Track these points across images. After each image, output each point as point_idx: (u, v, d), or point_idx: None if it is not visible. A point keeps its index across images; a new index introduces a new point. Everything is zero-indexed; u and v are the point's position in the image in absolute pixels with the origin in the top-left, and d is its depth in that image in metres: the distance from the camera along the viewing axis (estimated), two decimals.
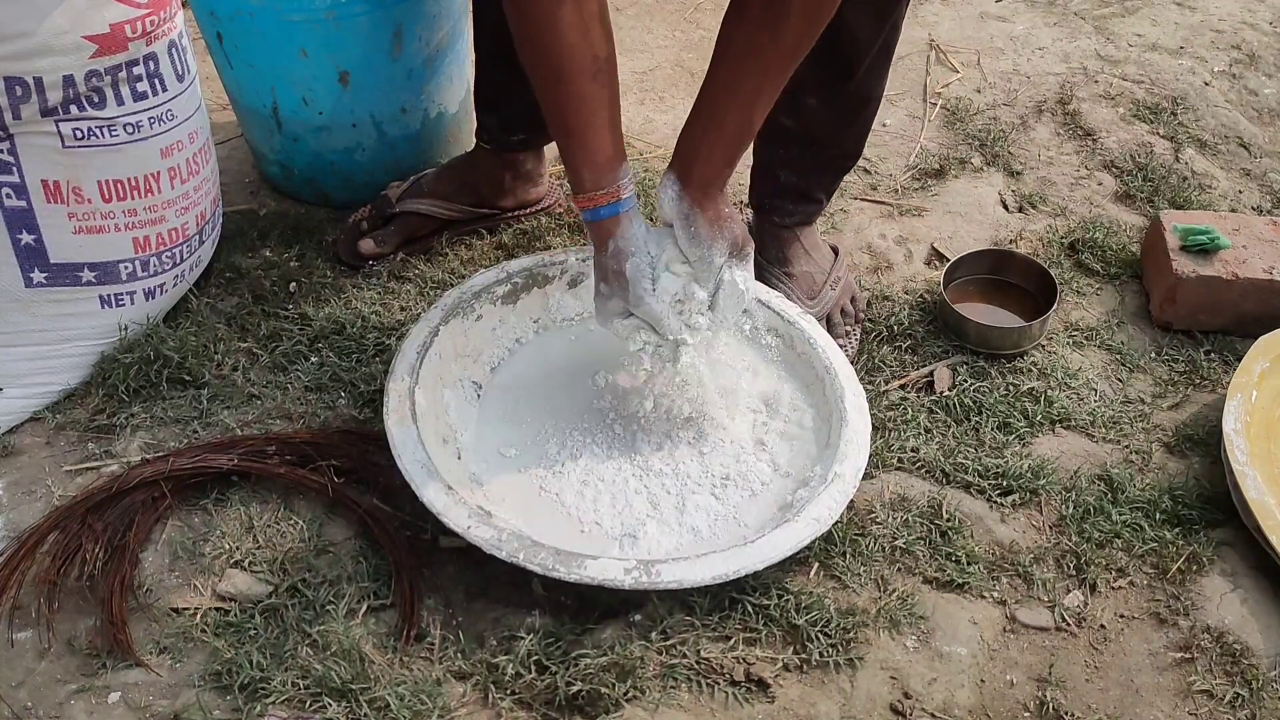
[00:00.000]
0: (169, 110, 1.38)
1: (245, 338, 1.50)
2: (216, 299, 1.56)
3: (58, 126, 1.29)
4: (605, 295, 1.29)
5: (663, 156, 1.86)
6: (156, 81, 1.35)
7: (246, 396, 1.43)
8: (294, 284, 1.60)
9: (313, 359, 1.48)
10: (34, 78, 1.25)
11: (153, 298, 1.46)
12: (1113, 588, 1.26)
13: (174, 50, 1.38)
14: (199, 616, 1.19)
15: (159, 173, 1.39)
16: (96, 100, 1.30)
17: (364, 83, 1.60)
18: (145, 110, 1.35)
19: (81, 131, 1.31)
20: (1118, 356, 1.57)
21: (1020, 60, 2.10)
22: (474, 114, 1.69)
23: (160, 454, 1.35)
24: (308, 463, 1.35)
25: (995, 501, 1.35)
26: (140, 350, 1.44)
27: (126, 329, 1.44)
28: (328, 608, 1.20)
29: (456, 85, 1.72)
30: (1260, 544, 1.26)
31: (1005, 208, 1.79)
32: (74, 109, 1.29)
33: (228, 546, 1.26)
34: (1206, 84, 2.04)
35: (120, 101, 1.32)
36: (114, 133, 1.33)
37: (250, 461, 1.33)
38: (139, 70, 1.33)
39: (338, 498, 1.32)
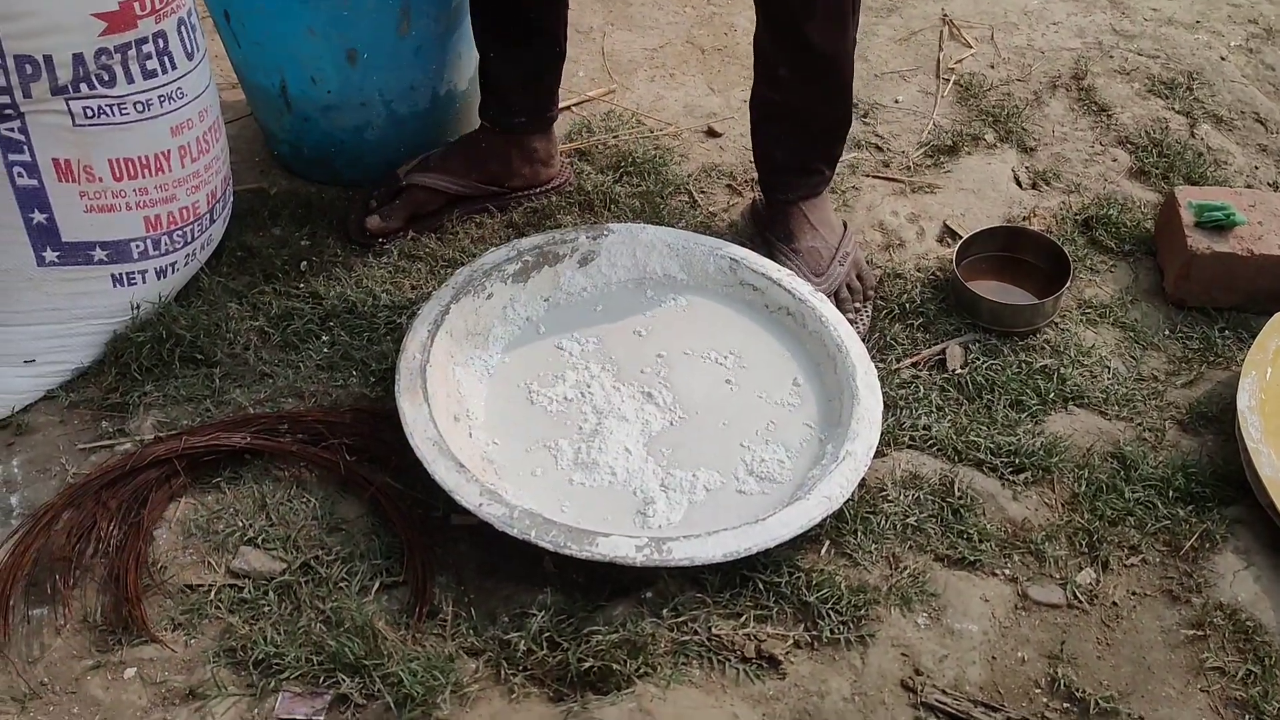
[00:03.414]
0: (179, 88, 1.38)
1: (257, 316, 1.50)
2: (228, 278, 1.56)
3: (68, 105, 1.29)
4: None
5: (673, 134, 1.85)
6: (166, 59, 1.35)
7: (258, 375, 1.44)
8: (305, 263, 1.60)
9: (324, 338, 1.48)
10: (44, 56, 1.25)
11: (164, 276, 1.47)
12: (1125, 565, 1.26)
13: (183, 28, 1.37)
14: (213, 593, 1.20)
15: (169, 151, 1.39)
16: (107, 78, 1.30)
17: (372, 61, 1.59)
18: (155, 88, 1.35)
19: (92, 110, 1.31)
20: (1131, 334, 1.56)
21: (1035, 35, 2.08)
22: None
23: (173, 432, 1.35)
24: (319, 441, 1.35)
25: (1007, 479, 1.35)
26: (153, 329, 1.44)
27: (139, 308, 1.45)
28: (340, 585, 1.21)
29: (466, 62, 1.71)
30: (1274, 521, 1.25)
31: (1019, 184, 1.78)
32: (84, 87, 1.29)
33: (241, 524, 1.27)
34: (1223, 59, 2.02)
35: (130, 80, 1.32)
36: (124, 111, 1.33)
37: (262, 440, 1.34)
38: (149, 48, 1.32)
39: (350, 475, 1.32)
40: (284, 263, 1.59)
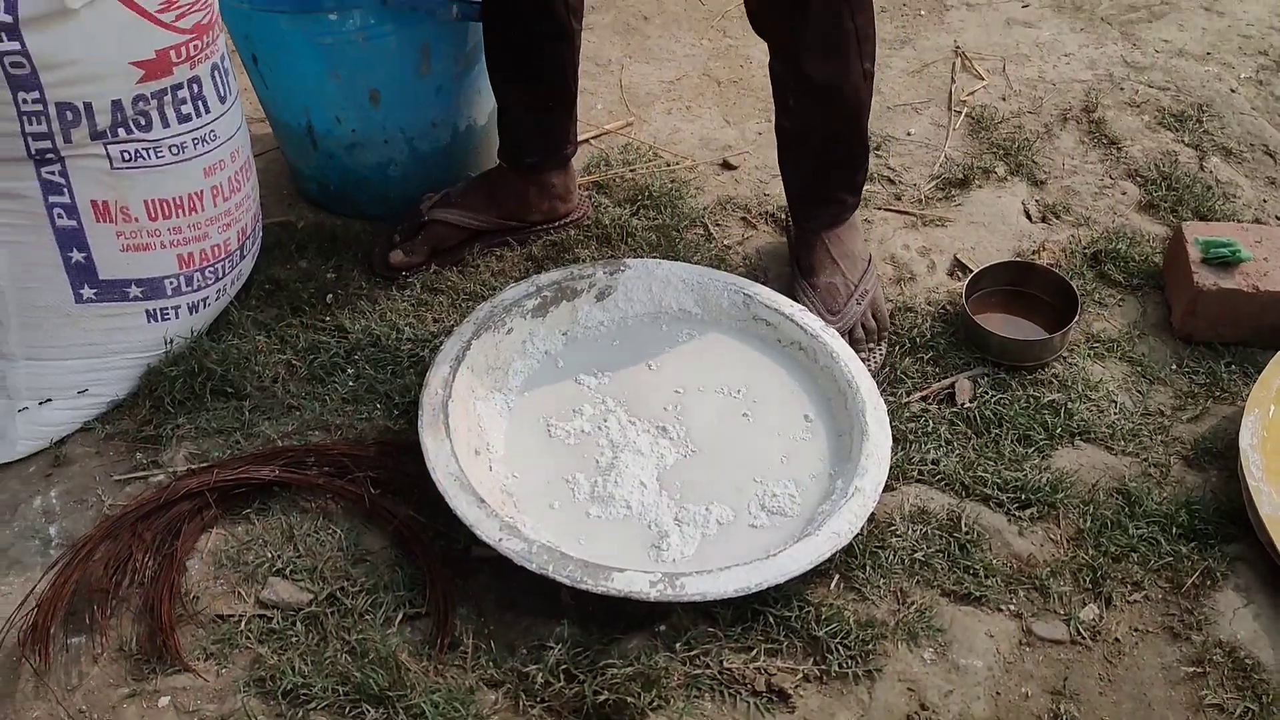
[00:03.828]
0: (212, 131, 1.43)
1: (284, 349, 1.55)
2: (257, 310, 1.61)
3: (106, 149, 1.34)
4: None
5: (689, 167, 1.89)
6: (200, 104, 1.40)
7: (286, 408, 1.48)
8: (331, 295, 1.64)
9: (349, 370, 1.53)
10: (84, 103, 1.30)
11: (196, 311, 1.52)
12: (1128, 601, 1.29)
13: (216, 73, 1.42)
14: (243, 623, 1.25)
15: (202, 191, 1.44)
16: (143, 123, 1.35)
17: (394, 100, 1.64)
18: (189, 131, 1.40)
19: (129, 153, 1.36)
20: (1138, 368, 1.58)
21: (1046, 67, 2.11)
22: None
23: (205, 464, 1.40)
24: (345, 474, 1.40)
25: (1014, 515, 1.38)
26: (185, 363, 1.49)
27: (171, 342, 1.50)
28: (365, 616, 1.26)
29: (485, 98, 1.76)
30: (1274, 560, 1.28)
31: (1029, 218, 1.81)
32: (122, 132, 1.34)
33: (269, 555, 1.32)
34: (1233, 90, 2.04)
35: (166, 124, 1.37)
36: (160, 154, 1.38)
37: (290, 472, 1.38)
38: (183, 93, 1.38)
39: (374, 508, 1.37)
40: (310, 296, 1.64)
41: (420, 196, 1.73)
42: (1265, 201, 1.84)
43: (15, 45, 1.23)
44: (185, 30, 1.34)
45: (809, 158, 1.58)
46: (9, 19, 1.22)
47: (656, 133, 1.97)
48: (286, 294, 1.64)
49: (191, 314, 1.51)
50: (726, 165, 1.91)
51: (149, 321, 1.47)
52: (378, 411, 1.49)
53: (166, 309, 1.48)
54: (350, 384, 1.51)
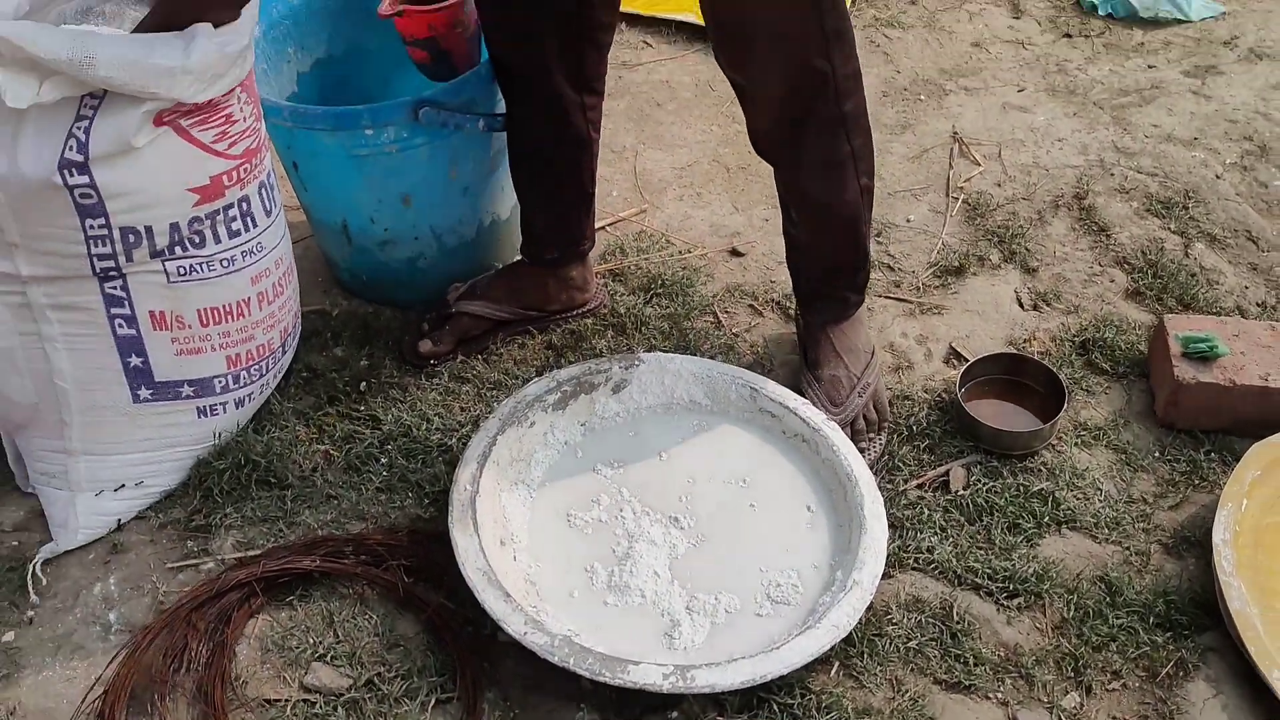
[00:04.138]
0: (259, 243, 1.55)
1: (323, 439, 1.67)
2: (295, 399, 1.73)
3: (164, 265, 1.46)
4: None
5: (700, 255, 2.00)
6: (248, 220, 1.52)
7: (325, 497, 1.60)
8: (364, 383, 1.76)
9: (383, 460, 1.64)
10: (144, 226, 1.42)
11: (242, 406, 1.63)
12: (1107, 689, 1.39)
13: (263, 189, 1.54)
14: (288, 709, 1.36)
15: (249, 298, 1.56)
16: (197, 241, 1.47)
17: (424, 202, 1.76)
18: (238, 245, 1.52)
19: (184, 268, 1.48)
20: (1123, 456, 1.68)
21: (1040, 152, 2.22)
22: None
23: (252, 553, 1.52)
24: (380, 562, 1.51)
25: (1002, 604, 1.48)
26: (232, 455, 1.60)
27: (219, 436, 1.61)
28: (401, 701, 1.36)
29: (507, 194, 1.87)
30: (1242, 652, 1.37)
31: (1021, 305, 1.91)
32: (178, 250, 1.46)
33: (311, 641, 1.43)
34: (1218, 177, 2.14)
35: (218, 240, 1.49)
36: (212, 267, 1.50)
37: (330, 562, 1.50)
38: (234, 211, 1.50)
39: (407, 595, 1.48)
40: (345, 384, 1.75)
41: (447, 286, 1.85)
42: (1247, 288, 1.94)
43: (85, 179, 1.35)
44: (236, 156, 1.46)
45: (813, 262, 1.69)
46: (80, 157, 1.34)
47: (669, 219, 2.09)
48: (323, 382, 1.76)
49: (238, 409, 1.63)
50: (735, 252, 2.02)
51: (199, 417, 1.59)
52: (409, 500, 1.60)
53: (215, 405, 1.59)
54: (384, 474, 1.63)
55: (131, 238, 1.42)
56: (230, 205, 1.49)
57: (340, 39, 1.90)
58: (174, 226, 1.44)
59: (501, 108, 1.72)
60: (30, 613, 1.47)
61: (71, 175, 1.34)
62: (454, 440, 1.66)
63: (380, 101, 1.93)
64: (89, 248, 1.40)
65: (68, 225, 1.38)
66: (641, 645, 1.41)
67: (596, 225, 1.93)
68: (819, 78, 1.47)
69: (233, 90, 1.43)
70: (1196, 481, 1.64)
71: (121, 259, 1.43)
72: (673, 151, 2.24)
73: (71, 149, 1.34)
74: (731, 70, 1.52)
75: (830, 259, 1.68)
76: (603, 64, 1.68)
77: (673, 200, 2.13)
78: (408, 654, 1.42)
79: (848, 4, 2.55)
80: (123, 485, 1.56)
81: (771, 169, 1.65)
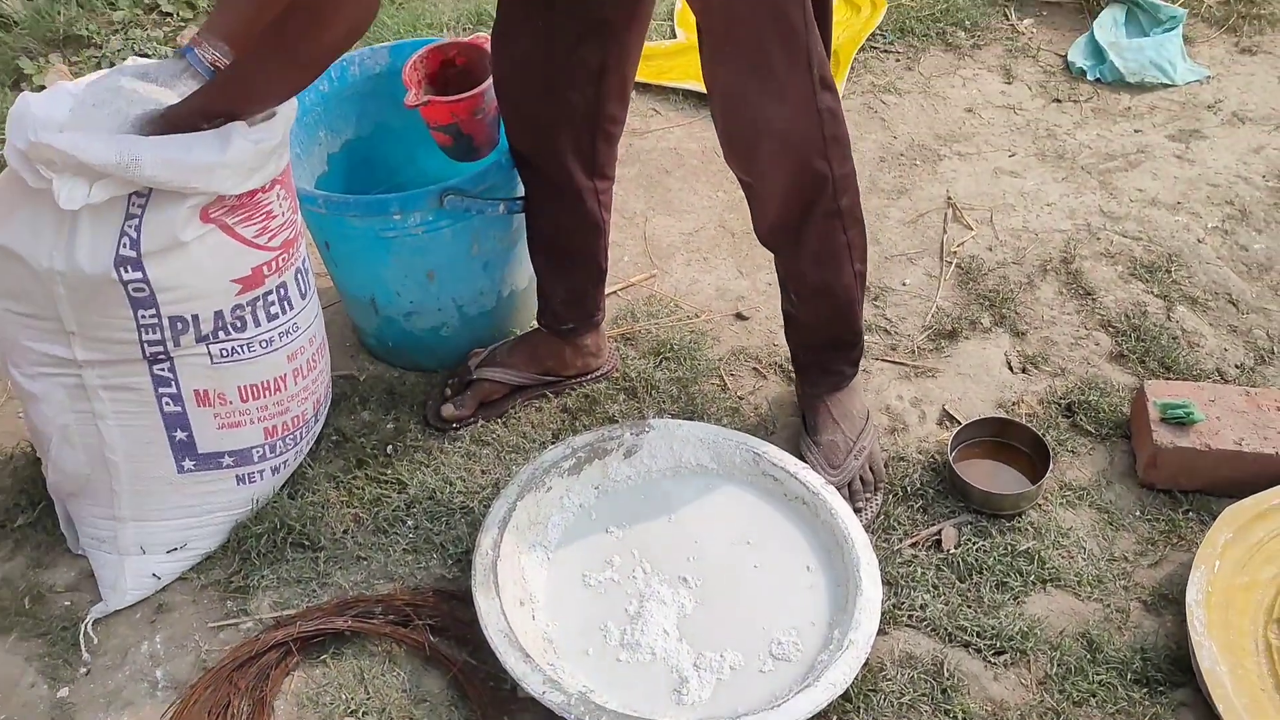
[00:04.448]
0: (294, 324, 1.66)
1: (352, 502, 1.78)
2: (326, 462, 1.84)
3: (208, 349, 1.58)
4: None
5: (708, 319, 2.11)
6: (285, 303, 1.64)
7: (355, 558, 1.71)
8: (391, 447, 1.87)
9: (409, 523, 1.75)
10: (191, 315, 1.54)
11: (277, 473, 1.75)
12: None
13: (299, 275, 1.66)
14: None
15: (286, 374, 1.68)
16: (239, 325, 1.59)
17: (447, 277, 1.88)
18: (276, 327, 1.63)
19: (226, 350, 1.59)
20: (1106, 515, 1.78)
21: (1029, 217, 2.32)
22: None
23: (288, 613, 1.63)
24: (408, 621, 1.62)
25: (990, 661, 1.58)
26: (268, 519, 1.72)
27: (257, 501, 1.73)
28: None
29: (524, 267, 1.99)
30: (1212, 709, 1.47)
31: (1010, 369, 2.01)
32: (221, 334, 1.58)
33: (344, 698, 1.53)
34: (1200, 241, 2.25)
35: (257, 324, 1.61)
36: (252, 349, 1.61)
37: (361, 622, 1.60)
38: (272, 297, 1.61)
39: (433, 654, 1.58)
40: (373, 448, 1.86)
41: (468, 352, 1.96)
42: (1226, 350, 2.04)
43: (139, 274, 1.47)
44: (275, 248, 1.58)
45: (810, 338, 1.81)
46: (133, 253, 1.46)
47: (677, 284, 2.20)
48: (352, 446, 1.87)
49: (274, 475, 1.74)
50: (740, 316, 2.13)
51: (238, 485, 1.70)
52: (434, 561, 1.71)
53: (253, 473, 1.71)
54: (410, 536, 1.74)
55: (179, 325, 1.54)
56: (269, 292, 1.60)
57: (367, 120, 2.02)
58: (218, 314, 1.56)
59: (520, 191, 1.84)
60: (83, 669, 1.59)
61: (126, 271, 1.46)
62: (476, 503, 1.77)
63: (404, 176, 2.07)
64: (140, 335, 1.52)
65: (121, 316, 1.50)
66: (652, 701, 1.51)
67: (609, 289, 2.05)
68: (820, 178, 1.59)
69: (273, 187, 1.55)
70: (1175, 540, 1.74)
71: (170, 344, 1.55)
72: (681, 217, 2.35)
73: (125, 246, 1.46)
74: (740, 170, 1.64)
75: (826, 336, 1.79)
76: (613, 151, 1.80)
77: (681, 265, 2.24)
78: (434, 710, 1.53)
79: (844, 77, 2.67)
80: (168, 549, 1.67)
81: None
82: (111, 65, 2.71)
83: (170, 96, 1.51)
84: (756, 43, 1.49)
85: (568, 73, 1.66)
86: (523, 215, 1.88)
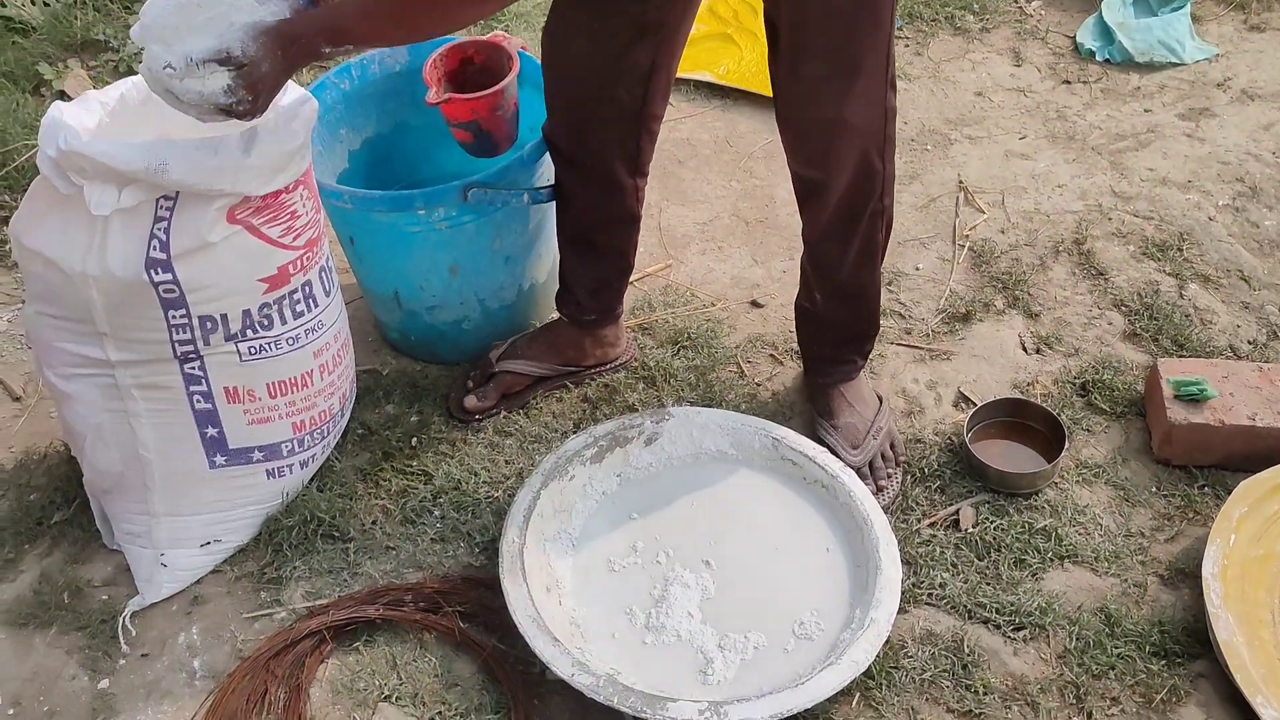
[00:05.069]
0: (320, 321, 1.70)
1: (380, 494, 1.81)
2: (353, 456, 1.88)
3: (237, 347, 1.61)
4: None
5: (724, 308, 2.14)
6: (310, 301, 1.67)
7: (384, 548, 1.74)
8: (415, 439, 1.91)
9: (435, 513, 1.79)
10: (220, 314, 1.57)
11: (306, 466, 1.78)
12: (1107, 715, 1.51)
13: (323, 273, 1.69)
14: None
15: (312, 370, 1.71)
16: (266, 323, 1.62)
17: (470, 271, 1.91)
18: (302, 324, 1.67)
19: (255, 348, 1.63)
20: (1122, 492, 1.80)
21: (1041, 198, 2.34)
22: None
23: (321, 603, 1.66)
24: (438, 608, 1.65)
25: (1009, 636, 1.61)
26: (298, 512, 1.75)
27: (287, 494, 1.76)
28: None
29: (545, 260, 2.02)
30: (1230, 679, 1.49)
31: (1024, 350, 2.04)
32: (249, 332, 1.61)
33: (378, 683, 1.57)
34: (1211, 219, 2.26)
35: (284, 321, 1.64)
36: (279, 346, 1.65)
37: (392, 610, 1.64)
38: (298, 295, 1.65)
39: (463, 639, 1.62)
40: (398, 440, 1.90)
41: (489, 345, 2.00)
42: (1239, 326, 2.06)
43: (169, 276, 1.51)
44: (300, 247, 1.62)
45: (828, 335, 1.85)
46: (163, 255, 1.50)
47: (693, 273, 2.23)
48: (378, 439, 1.90)
49: (303, 469, 1.78)
50: (755, 304, 2.15)
51: (268, 479, 1.74)
52: (461, 549, 1.74)
53: (283, 467, 1.74)
54: (437, 525, 1.77)
55: (209, 324, 1.57)
56: (295, 290, 1.64)
57: (387, 118, 2.06)
58: (246, 313, 1.59)
59: (542, 181, 1.87)
60: (122, 661, 1.63)
61: (157, 273, 1.50)
62: (500, 492, 1.81)
63: (423, 173, 2.10)
64: (171, 335, 1.56)
65: (153, 316, 1.53)
66: (678, 682, 1.54)
67: None
68: (875, 176, 1.64)
69: (296, 188, 1.59)
70: (1190, 515, 1.76)
71: (200, 343, 1.58)
72: (695, 207, 2.37)
73: (155, 249, 1.50)
74: (807, 167, 1.65)
75: (848, 331, 1.84)
76: (652, 148, 1.82)
77: (696, 254, 2.27)
78: (465, 694, 1.57)
79: None
80: (201, 542, 1.71)
81: (785, 227, 1.80)
82: (130, 69, 2.76)
83: (260, 12, 1.41)
84: (848, 37, 1.51)
85: (620, 72, 1.68)
86: (542, 211, 1.91)
